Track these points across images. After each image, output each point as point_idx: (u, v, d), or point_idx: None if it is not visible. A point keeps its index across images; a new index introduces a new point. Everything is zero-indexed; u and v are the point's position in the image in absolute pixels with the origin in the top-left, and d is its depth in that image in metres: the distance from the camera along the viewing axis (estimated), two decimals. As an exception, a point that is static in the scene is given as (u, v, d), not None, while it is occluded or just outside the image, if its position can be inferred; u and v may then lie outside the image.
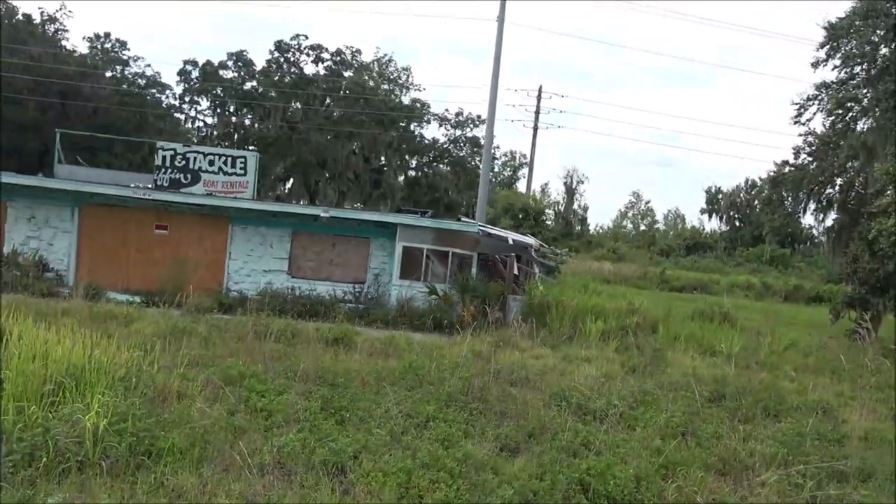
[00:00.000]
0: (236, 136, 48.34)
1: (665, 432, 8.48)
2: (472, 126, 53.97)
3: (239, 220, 18.08)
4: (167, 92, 52.34)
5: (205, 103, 50.42)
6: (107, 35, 53.28)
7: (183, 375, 8.81)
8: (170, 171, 18.30)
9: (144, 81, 52.73)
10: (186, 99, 49.82)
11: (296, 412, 7.89)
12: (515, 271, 18.60)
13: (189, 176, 18.28)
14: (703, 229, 68.58)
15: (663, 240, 66.16)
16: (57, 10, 53.16)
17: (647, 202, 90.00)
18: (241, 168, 18.54)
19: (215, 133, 50.42)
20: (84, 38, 60.70)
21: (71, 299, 14.36)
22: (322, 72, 49.08)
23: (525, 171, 67.42)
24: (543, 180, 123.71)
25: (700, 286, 35.47)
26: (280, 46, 48.28)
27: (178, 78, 49.26)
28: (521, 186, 65.03)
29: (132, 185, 17.78)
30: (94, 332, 9.84)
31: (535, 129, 46.88)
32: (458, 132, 54.03)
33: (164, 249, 17.93)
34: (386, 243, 18.51)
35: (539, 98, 46.94)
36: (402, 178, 54.15)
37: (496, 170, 69.67)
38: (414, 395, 9.10)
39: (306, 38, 49.08)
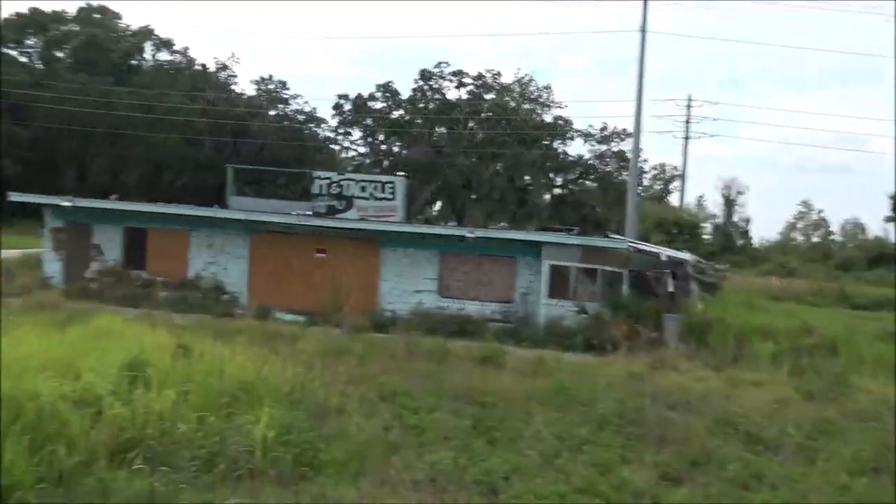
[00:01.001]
0: (386, 163, 50.69)
1: (852, 467, 7.53)
2: (617, 140, 52.55)
3: (389, 242, 18.79)
4: (322, 125, 56.22)
5: (357, 133, 53.50)
6: (270, 77, 58.27)
7: (341, 392, 9.22)
8: (326, 198, 19.49)
9: (303, 117, 57.00)
10: (340, 131, 53.14)
11: (447, 430, 7.95)
12: (671, 288, 17.64)
13: (343, 202, 19.36)
14: (890, 239, 61.09)
15: (841, 252, 59.85)
16: (228, 59, 59.02)
17: (820, 212, 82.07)
18: (390, 193, 19.33)
19: (367, 161, 53.24)
20: (251, 81, 66.99)
21: (244, 319, 15.63)
22: (464, 96, 50.27)
23: (677, 183, 64.30)
24: (699, 192, 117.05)
25: (889, 303, 31.48)
26: (424, 75, 50.15)
27: (332, 112, 52.75)
28: (674, 200, 62.03)
29: (294, 213, 19.12)
30: (264, 349, 10.64)
31: (686, 139, 44.70)
32: (604, 147, 52.81)
33: (323, 272, 19.04)
34: (532, 262, 18.34)
35: (688, 107, 44.73)
36: (547, 197, 53.77)
37: (645, 184, 67.02)
38: (565, 417, 8.86)
39: (448, 64, 50.68)
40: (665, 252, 19.37)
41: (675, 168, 68.68)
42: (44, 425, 5.95)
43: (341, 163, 56.73)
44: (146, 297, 18.08)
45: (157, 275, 19.44)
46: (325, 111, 77.25)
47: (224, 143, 52.48)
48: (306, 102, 56.58)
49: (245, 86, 61.44)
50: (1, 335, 7.63)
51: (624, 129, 51.72)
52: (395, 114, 51.01)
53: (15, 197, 20.47)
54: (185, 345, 10.19)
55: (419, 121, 49.31)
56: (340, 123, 52.53)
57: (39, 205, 20.77)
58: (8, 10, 76.63)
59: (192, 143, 50.71)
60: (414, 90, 50.56)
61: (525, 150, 47.29)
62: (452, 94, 50.73)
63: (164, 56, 64.41)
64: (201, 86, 55.29)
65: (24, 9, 61.90)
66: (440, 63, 50.39)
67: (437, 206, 53.20)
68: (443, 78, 50.18)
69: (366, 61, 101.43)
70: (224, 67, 58.02)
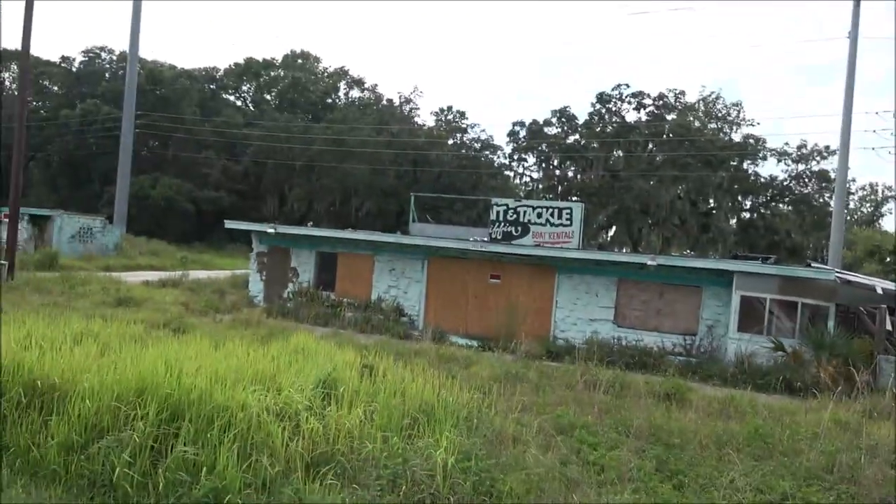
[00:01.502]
0: (560, 189, 50.40)
1: None
2: (818, 159, 47.72)
3: (565, 269, 18.52)
4: (498, 152, 57.40)
5: (531, 159, 53.86)
6: (449, 108, 60.86)
7: (517, 420, 9.12)
8: (503, 224, 19.74)
9: (479, 145, 58.64)
10: (515, 157, 53.83)
11: (629, 470, 7.53)
12: (888, 326, 15.46)
13: (519, 228, 19.47)
14: None
15: None
16: (412, 92, 62.57)
17: None
18: (566, 219, 19.10)
19: (540, 186, 53.32)
20: (431, 112, 70.43)
21: (421, 341, 16.19)
22: (644, 118, 48.64)
23: (891, 205, 56.91)
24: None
25: None
26: (601, 98, 49.37)
27: (507, 139, 53.67)
28: (887, 224, 55.04)
29: (471, 239, 19.56)
30: (441, 372, 10.88)
31: (905, 155, 39.24)
32: (801, 167, 48.21)
33: (497, 297, 19.23)
34: (720, 292, 17.08)
35: (908, 118, 39.30)
36: (733, 221, 50.09)
37: (851, 206, 60.04)
38: (763, 467, 8.00)
39: (627, 86, 49.45)
40: (881, 284, 17.06)
41: (889, 188, 60.87)
42: (251, 435, 6.52)
43: (514, 188, 57.44)
44: (334, 317, 19.46)
45: (343, 296, 20.85)
46: (501, 137, 78.92)
47: (405, 171, 55.48)
48: (483, 130, 58.42)
49: (426, 117, 64.72)
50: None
51: (826, 147, 46.97)
52: (571, 138, 50.65)
53: (229, 224, 23.15)
54: (370, 364, 10.73)
55: (595, 145, 48.50)
56: (515, 150, 53.25)
57: (247, 231, 23.31)
58: (225, 61, 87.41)
59: (377, 172, 54.23)
60: (591, 114, 49.94)
61: (710, 171, 44.51)
62: (631, 115, 49.39)
63: (355, 93, 70.01)
64: (387, 119, 59.12)
65: (239, 57, 70.52)
66: (619, 85, 49.40)
67: (612, 231, 51.72)
68: (621, 100, 49.05)
69: (544, 86, 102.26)
70: (407, 101, 61.63)
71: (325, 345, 12.15)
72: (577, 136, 50.41)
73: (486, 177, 56.56)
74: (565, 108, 50.55)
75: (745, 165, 48.10)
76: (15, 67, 65.38)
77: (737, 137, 50.31)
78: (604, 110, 49.27)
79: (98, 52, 65.40)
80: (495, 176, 57.47)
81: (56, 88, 64.37)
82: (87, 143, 56.52)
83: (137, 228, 43.73)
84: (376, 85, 71.10)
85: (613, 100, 48.97)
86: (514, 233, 19.59)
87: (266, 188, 57.63)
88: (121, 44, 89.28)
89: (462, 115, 60.42)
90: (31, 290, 17.80)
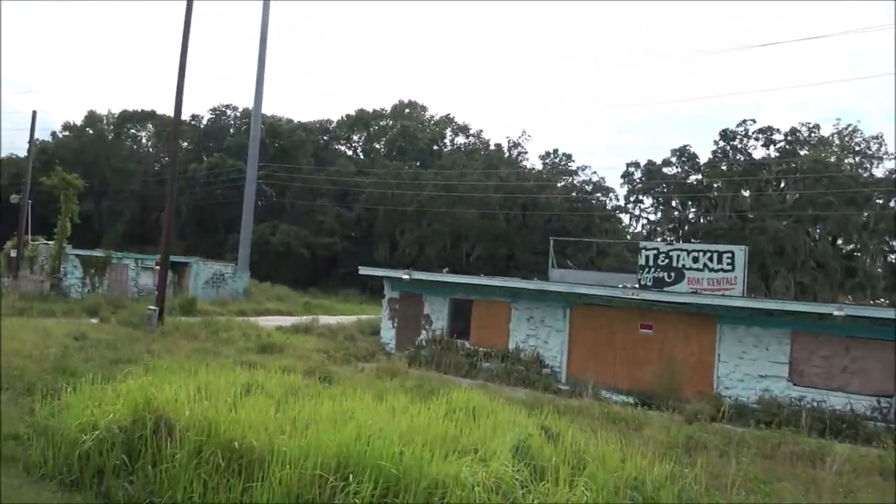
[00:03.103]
0: (682, 231, 47.90)
1: None
2: (980, 194, 42.83)
3: (728, 319, 16.80)
4: (610, 195, 55.67)
5: (647, 201, 51.74)
6: (555, 151, 59.99)
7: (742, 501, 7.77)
8: (653, 270, 18.33)
9: (590, 187, 57.18)
10: (630, 199, 51.89)
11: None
12: None
13: (673, 274, 18.00)
14: None
15: None
16: (519, 136, 62.27)
17: None
18: (727, 263, 17.46)
19: (658, 229, 50.96)
20: (539, 156, 69.84)
21: (577, 398, 14.91)
22: (774, 154, 45.66)
23: None
24: None
25: None
26: (726, 135, 46.88)
27: (621, 180, 51.92)
28: None
29: (620, 286, 18.26)
30: (618, 436, 9.65)
31: None
32: (960, 203, 43.40)
33: (648, 349, 17.72)
34: (923, 347, 14.82)
35: None
36: (879, 264, 45.61)
37: None
38: None
39: (754, 122, 46.78)
40: None
41: None
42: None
43: (624, 230, 55.41)
44: (472, 368, 18.56)
45: (479, 345, 19.97)
46: (611, 180, 76.96)
47: (514, 215, 54.77)
48: (594, 173, 56.92)
49: (535, 160, 64.04)
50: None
51: None
52: (692, 178, 48.27)
53: (363, 271, 23.00)
54: (548, 427, 9.68)
55: (719, 184, 45.90)
56: (630, 191, 51.37)
57: (363, 276, 23.09)
58: (337, 113, 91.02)
59: (486, 216, 53.89)
60: (714, 152, 47.50)
61: (854, 210, 40.85)
62: (759, 153, 46.50)
63: (460, 140, 70.72)
64: (495, 164, 58.98)
65: (350, 109, 73.15)
66: (744, 121, 46.80)
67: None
68: (747, 137, 46.36)
69: (652, 126, 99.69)
70: (515, 145, 61.33)
71: (491, 402, 11.22)
72: (698, 176, 47.99)
73: (598, 219, 54.88)
74: (685, 146, 48.44)
75: (892, 203, 43.89)
76: (151, 126, 70.92)
77: (879, 173, 46.25)
78: (728, 147, 46.71)
79: (223, 109, 69.81)
80: (608, 218, 55.69)
81: (186, 144, 69.01)
82: (213, 194, 59.80)
83: (258, 274, 45.20)
84: (481, 131, 71.53)
85: (739, 136, 46.38)
86: (666, 279, 18.10)
87: (378, 234, 58.53)
88: (243, 101, 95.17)
89: (569, 157, 59.46)
90: (179, 336, 18.11)
